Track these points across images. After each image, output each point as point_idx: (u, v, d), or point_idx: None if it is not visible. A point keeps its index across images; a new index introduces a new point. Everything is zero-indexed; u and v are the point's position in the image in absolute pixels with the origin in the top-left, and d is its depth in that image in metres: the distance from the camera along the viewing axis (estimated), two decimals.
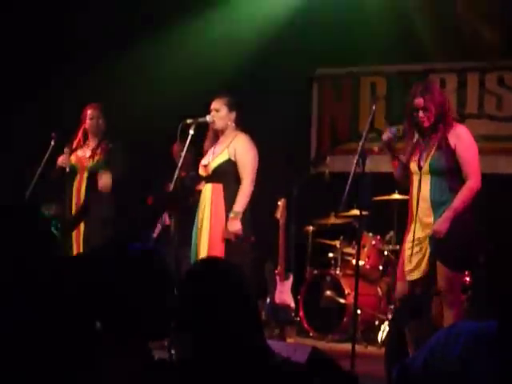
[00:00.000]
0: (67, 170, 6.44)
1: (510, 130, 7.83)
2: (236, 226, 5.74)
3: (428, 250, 5.05)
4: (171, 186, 5.70)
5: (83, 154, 6.51)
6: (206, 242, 5.80)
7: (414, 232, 5.09)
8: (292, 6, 7.95)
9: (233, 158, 5.81)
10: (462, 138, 5.10)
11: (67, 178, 6.46)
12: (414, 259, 5.07)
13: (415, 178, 5.16)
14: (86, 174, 6.45)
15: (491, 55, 7.80)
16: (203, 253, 5.77)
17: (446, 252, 5.04)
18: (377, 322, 7.07)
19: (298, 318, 7.25)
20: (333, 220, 7.46)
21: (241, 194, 5.78)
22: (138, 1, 8.21)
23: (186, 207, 6.28)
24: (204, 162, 5.94)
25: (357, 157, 5.01)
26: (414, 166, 5.14)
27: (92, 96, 6.96)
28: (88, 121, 6.52)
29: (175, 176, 5.61)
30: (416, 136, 5.19)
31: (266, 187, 7.55)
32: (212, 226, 5.80)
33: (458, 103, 8.06)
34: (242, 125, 5.98)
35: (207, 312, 2.32)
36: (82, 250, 6.29)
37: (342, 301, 7.12)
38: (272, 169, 7.93)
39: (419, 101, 5.12)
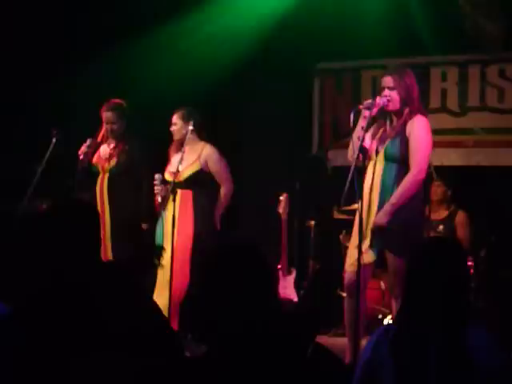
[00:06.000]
0: (84, 160, 6.50)
1: None
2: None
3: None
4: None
5: (104, 154, 6.54)
6: (174, 243, 6.14)
7: (368, 220, 5.11)
8: (292, 2, 7.94)
9: (204, 169, 6.28)
10: (416, 128, 5.09)
11: (90, 178, 6.54)
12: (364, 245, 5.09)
13: (371, 163, 5.18)
14: (106, 175, 6.48)
15: (492, 47, 7.79)
16: (169, 253, 6.12)
17: (390, 240, 5.07)
18: (380, 316, 7.06)
19: None
20: (335, 214, 7.44)
21: (223, 200, 6.32)
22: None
23: None
24: (172, 168, 6.31)
25: (357, 151, 5.00)
26: (372, 150, 5.16)
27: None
28: (104, 124, 6.52)
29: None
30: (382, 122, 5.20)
31: (267, 182, 7.58)
32: (179, 228, 6.15)
33: (460, 96, 8.06)
34: (205, 134, 6.39)
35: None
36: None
37: (345, 295, 7.10)
38: (273, 164, 7.96)
39: (387, 79, 5.14)
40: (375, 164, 5.17)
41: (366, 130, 5.07)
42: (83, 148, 6.50)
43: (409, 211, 5.05)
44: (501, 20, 7.66)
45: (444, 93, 8.17)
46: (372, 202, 5.14)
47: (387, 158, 5.13)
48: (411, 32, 7.73)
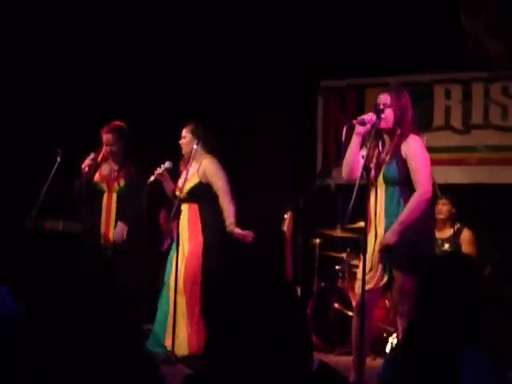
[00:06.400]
0: (88, 175, 6.54)
1: None
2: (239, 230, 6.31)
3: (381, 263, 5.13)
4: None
5: (108, 173, 6.57)
6: (184, 256, 6.32)
7: (374, 244, 5.12)
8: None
9: (203, 181, 6.36)
10: (411, 147, 5.11)
11: (93, 194, 6.58)
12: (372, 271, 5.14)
13: (373, 188, 5.18)
14: (114, 195, 6.54)
15: (496, 64, 7.80)
16: (182, 265, 6.29)
17: (398, 258, 5.07)
18: (385, 334, 7.04)
19: None
20: (339, 232, 7.43)
21: (227, 208, 6.30)
22: None
23: None
24: (179, 183, 6.44)
25: (361, 169, 5.00)
26: (372, 175, 5.14)
27: None
28: (104, 146, 6.57)
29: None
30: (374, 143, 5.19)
31: (272, 200, 7.57)
32: (190, 240, 6.33)
33: (463, 114, 8.07)
34: (213, 148, 6.46)
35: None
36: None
37: (350, 313, 7.08)
38: (278, 182, 7.95)
39: (384, 96, 5.14)
40: (376, 189, 5.18)
41: (368, 147, 5.07)
42: (87, 161, 6.56)
43: (417, 230, 5.05)
44: (504, 37, 7.67)
45: (448, 110, 8.18)
46: (378, 226, 5.15)
47: (387, 182, 5.16)
48: (415, 49, 7.76)
